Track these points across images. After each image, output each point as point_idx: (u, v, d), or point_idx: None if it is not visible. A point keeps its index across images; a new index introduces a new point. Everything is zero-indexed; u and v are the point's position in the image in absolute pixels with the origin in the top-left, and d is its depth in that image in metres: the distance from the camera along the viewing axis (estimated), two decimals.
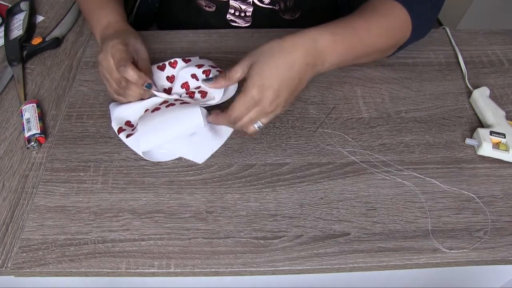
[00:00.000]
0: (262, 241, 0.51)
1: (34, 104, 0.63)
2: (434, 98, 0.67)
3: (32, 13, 0.79)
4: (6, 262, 0.49)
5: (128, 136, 0.58)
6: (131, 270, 0.49)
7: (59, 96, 0.67)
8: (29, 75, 0.70)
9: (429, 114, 0.65)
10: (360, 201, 0.55)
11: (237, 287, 0.63)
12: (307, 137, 0.62)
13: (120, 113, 0.61)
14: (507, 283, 0.70)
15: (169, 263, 0.50)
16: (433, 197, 0.56)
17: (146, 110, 0.60)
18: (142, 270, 0.49)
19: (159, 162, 0.58)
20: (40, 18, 0.80)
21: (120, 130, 0.59)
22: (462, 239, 0.52)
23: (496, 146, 0.59)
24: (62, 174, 0.57)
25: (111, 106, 0.62)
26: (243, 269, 0.50)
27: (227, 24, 0.79)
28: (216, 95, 0.60)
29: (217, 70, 0.64)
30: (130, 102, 0.60)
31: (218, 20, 0.78)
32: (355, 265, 0.50)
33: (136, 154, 0.58)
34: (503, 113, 0.63)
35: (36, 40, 0.73)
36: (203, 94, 0.61)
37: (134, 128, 0.59)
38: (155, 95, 0.60)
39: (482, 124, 0.64)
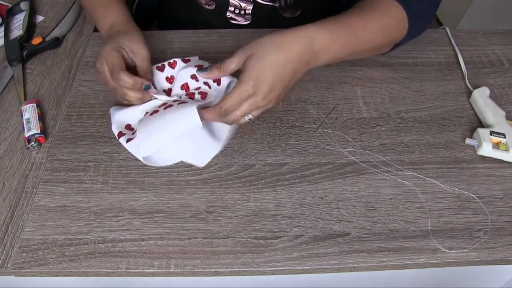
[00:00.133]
0: (262, 241, 0.51)
1: (34, 104, 0.63)
2: (434, 98, 0.67)
3: (32, 13, 0.79)
4: (6, 262, 0.49)
5: (128, 140, 0.58)
6: (131, 270, 0.49)
7: (59, 96, 0.67)
8: (29, 75, 0.70)
9: (429, 114, 0.65)
10: (360, 201, 0.55)
11: (237, 287, 0.63)
12: (307, 137, 0.62)
13: (120, 117, 0.60)
14: (507, 283, 0.70)
15: (169, 263, 0.50)
16: (433, 197, 0.56)
17: (146, 113, 0.60)
18: (142, 270, 0.49)
19: None
20: (40, 18, 0.80)
21: (120, 134, 0.59)
22: (462, 239, 0.52)
23: (496, 146, 0.59)
24: (62, 174, 0.57)
25: (112, 110, 0.62)
26: (243, 269, 0.50)
27: (227, 22, 0.79)
28: (217, 96, 0.60)
29: None
30: (133, 105, 0.60)
31: (218, 18, 0.78)
32: (355, 265, 0.50)
33: None
34: (503, 113, 0.63)
35: (36, 40, 0.73)
36: (203, 95, 0.60)
37: (134, 132, 0.59)
38: (156, 98, 0.59)
39: (482, 124, 0.64)
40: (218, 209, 0.54)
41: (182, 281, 0.60)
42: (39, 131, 0.60)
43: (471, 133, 0.62)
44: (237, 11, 0.77)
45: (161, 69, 0.64)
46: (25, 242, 0.51)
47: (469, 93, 0.67)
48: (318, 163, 0.59)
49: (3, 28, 0.76)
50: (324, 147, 0.61)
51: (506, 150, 0.59)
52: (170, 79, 0.64)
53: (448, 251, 0.51)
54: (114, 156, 0.59)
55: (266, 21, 0.77)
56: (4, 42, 0.73)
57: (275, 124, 0.63)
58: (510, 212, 0.54)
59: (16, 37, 0.73)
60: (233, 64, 0.55)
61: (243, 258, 0.50)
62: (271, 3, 0.75)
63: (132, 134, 0.59)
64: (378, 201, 0.55)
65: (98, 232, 0.52)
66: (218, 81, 0.60)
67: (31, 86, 0.68)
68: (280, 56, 0.52)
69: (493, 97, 0.66)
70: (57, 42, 0.74)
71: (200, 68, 0.59)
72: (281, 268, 0.50)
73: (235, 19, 0.78)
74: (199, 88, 0.61)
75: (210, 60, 0.68)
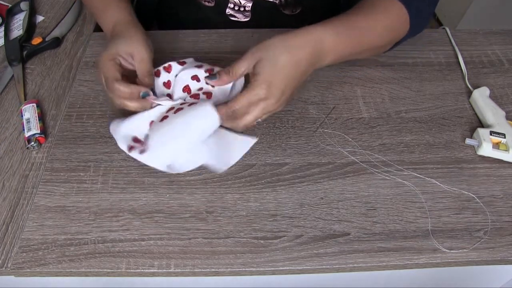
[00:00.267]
0: (262, 241, 0.51)
1: (34, 104, 0.63)
2: (434, 98, 0.67)
3: (32, 13, 0.79)
4: (6, 262, 0.49)
5: (141, 152, 0.54)
6: (131, 270, 0.49)
7: (59, 96, 0.67)
8: (29, 75, 0.70)
9: (429, 114, 0.65)
10: (360, 201, 0.55)
11: (237, 287, 0.63)
12: (307, 137, 0.62)
13: (124, 131, 0.56)
14: (507, 283, 0.70)
15: (169, 263, 0.50)
16: (433, 197, 0.56)
17: (152, 122, 0.56)
18: (142, 270, 0.49)
19: None
20: (40, 18, 0.80)
21: (130, 148, 0.55)
22: (462, 239, 0.52)
23: (496, 146, 0.59)
24: (62, 174, 0.57)
25: (112, 127, 0.57)
26: (243, 269, 0.50)
27: (226, 19, 0.78)
28: (221, 94, 0.57)
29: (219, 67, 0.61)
30: (135, 114, 0.56)
31: (217, 15, 0.78)
32: (355, 265, 0.50)
33: None
34: (503, 113, 0.63)
35: (36, 40, 0.73)
36: (208, 95, 0.58)
37: (144, 143, 0.55)
38: (158, 104, 0.56)
39: (482, 124, 0.64)
40: (218, 209, 0.54)
41: (182, 281, 0.60)
42: (39, 131, 0.60)
43: (471, 133, 0.62)
44: (236, 8, 0.77)
45: (157, 74, 0.61)
46: (25, 242, 0.51)
47: (469, 93, 0.67)
48: (318, 163, 0.59)
49: (3, 28, 0.76)
50: (324, 147, 0.61)
51: (506, 150, 0.59)
52: (167, 84, 0.61)
53: (448, 251, 0.51)
54: (114, 156, 0.59)
55: (266, 18, 0.77)
56: (4, 42, 0.73)
57: (275, 124, 0.63)
58: (510, 212, 0.54)
59: (16, 37, 0.73)
60: (242, 68, 0.54)
61: (243, 258, 0.50)
62: (271, 0, 0.75)
63: (143, 145, 0.54)
64: (378, 201, 0.55)
65: (98, 232, 0.52)
66: None
67: (31, 86, 0.68)
68: (291, 59, 0.52)
69: (493, 97, 0.66)
70: (57, 42, 0.74)
71: (208, 76, 0.57)
72: (281, 268, 0.50)
73: (234, 16, 0.78)
74: (202, 88, 0.59)
75: (210, 60, 0.68)
